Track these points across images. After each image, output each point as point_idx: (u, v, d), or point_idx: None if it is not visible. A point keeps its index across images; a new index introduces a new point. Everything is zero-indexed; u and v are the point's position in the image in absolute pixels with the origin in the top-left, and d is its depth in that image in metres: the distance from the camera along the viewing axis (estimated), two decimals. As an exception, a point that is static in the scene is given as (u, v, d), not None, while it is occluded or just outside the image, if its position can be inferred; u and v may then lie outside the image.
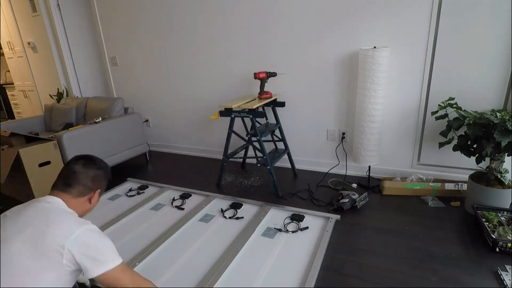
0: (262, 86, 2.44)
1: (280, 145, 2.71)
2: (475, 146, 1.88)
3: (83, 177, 1.15)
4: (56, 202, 1.07)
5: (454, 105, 1.96)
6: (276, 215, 2.03)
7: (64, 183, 1.12)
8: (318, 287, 1.41)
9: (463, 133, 1.91)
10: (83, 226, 1.00)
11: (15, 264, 0.90)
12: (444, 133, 2.01)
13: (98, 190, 1.20)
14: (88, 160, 1.21)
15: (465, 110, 1.92)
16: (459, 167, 2.27)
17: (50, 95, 3.82)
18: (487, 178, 1.88)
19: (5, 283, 0.87)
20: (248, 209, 2.13)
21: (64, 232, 0.95)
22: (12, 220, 1.00)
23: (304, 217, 1.97)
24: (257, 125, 2.45)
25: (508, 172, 1.87)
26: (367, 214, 2.01)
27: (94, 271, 0.96)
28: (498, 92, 2.05)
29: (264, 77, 2.41)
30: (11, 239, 0.93)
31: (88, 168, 1.17)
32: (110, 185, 2.64)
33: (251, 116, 2.27)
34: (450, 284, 1.39)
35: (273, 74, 2.45)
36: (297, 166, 2.73)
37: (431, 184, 2.18)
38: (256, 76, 2.39)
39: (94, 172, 1.19)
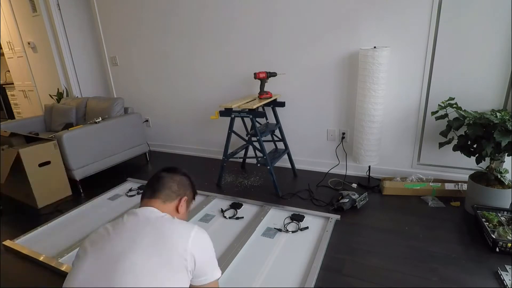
0: (262, 86, 2.44)
1: (280, 145, 2.71)
2: (475, 146, 1.88)
3: (168, 181, 1.10)
4: (152, 211, 1.00)
5: (454, 105, 1.96)
6: (276, 215, 2.03)
7: (151, 190, 1.08)
8: (318, 287, 1.41)
9: (463, 133, 1.91)
10: (194, 227, 0.96)
11: (144, 274, 0.83)
12: (444, 133, 2.01)
13: (185, 197, 1.12)
14: (171, 168, 1.18)
15: (465, 110, 1.92)
16: (459, 167, 2.27)
17: (50, 95, 3.82)
18: (487, 178, 1.88)
19: None
20: (248, 209, 2.13)
21: (182, 236, 0.91)
22: (116, 235, 0.91)
23: (304, 217, 1.97)
24: (257, 125, 2.46)
25: (508, 172, 1.87)
26: (367, 214, 2.01)
27: (209, 277, 0.93)
28: (498, 92, 2.05)
29: (264, 77, 2.41)
30: (131, 251, 0.85)
31: (172, 173, 1.14)
32: (110, 185, 2.65)
33: (251, 116, 2.27)
34: (450, 284, 1.39)
35: (273, 74, 2.45)
36: (297, 166, 2.73)
37: (431, 184, 2.18)
38: (256, 76, 2.39)
39: (179, 177, 1.15)
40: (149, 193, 1.08)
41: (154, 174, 1.15)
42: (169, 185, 1.09)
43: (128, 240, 0.88)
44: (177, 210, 1.09)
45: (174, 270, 0.86)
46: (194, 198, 1.22)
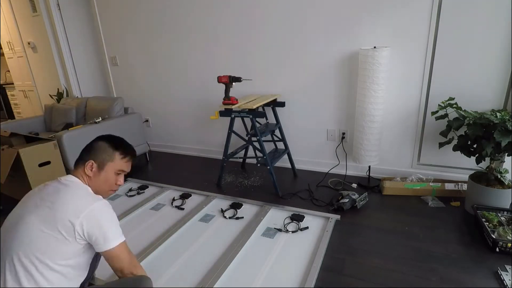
0: (226, 90, 2.28)
1: (280, 145, 2.71)
2: (475, 146, 1.88)
3: (82, 152, 1.18)
4: (71, 180, 1.11)
5: (454, 105, 1.96)
6: (276, 215, 2.03)
7: (78, 158, 1.18)
8: (318, 287, 1.41)
9: (463, 133, 1.91)
10: (95, 202, 1.04)
11: (33, 234, 0.97)
12: (444, 133, 2.01)
13: (90, 162, 1.14)
14: (103, 136, 1.23)
15: (465, 110, 1.92)
16: (459, 167, 2.27)
17: (50, 95, 3.82)
18: (487, 178, 1.88)
19: (25, 250, 0.96)
20: (248, 209, 2.13)
21: (77, 208, 1.00)
22: (32, 197, 1.08)
23: (304, 217, 1.97)
24: (257, 125, 2.45)
25: (508, 172, 1.87)
26: (367, 214, 2.01)
27: (101, 246, 1.02)
28: (498, 92, 2.05)
29: (226, 82, 2.26)
30: (30, 212, 1.01)
31: (95, 140, 1.20)
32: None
33: (251, 116, 2.27)
34: (450, 284, 1.39)
35: (238, 79, 2.27)
36: (297, 166, 2.73)
37: (431, 184, 2.18)
38: (218, 80, 2.27)
39: (92, 143, 1.19)
40: (76, 162, 1.19)
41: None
42: (81, 156, 1.18)
43: (35, 202, 1.04)
44: (86, 174, 1.14)
45: (62, 235, 0.98)
46: (124, 157, 1.21)
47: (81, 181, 1.12)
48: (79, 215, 0.99)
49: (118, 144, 1.22)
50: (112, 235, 1.04)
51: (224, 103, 2.30)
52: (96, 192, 1.13)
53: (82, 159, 1.16)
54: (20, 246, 0.96)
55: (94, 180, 1.15)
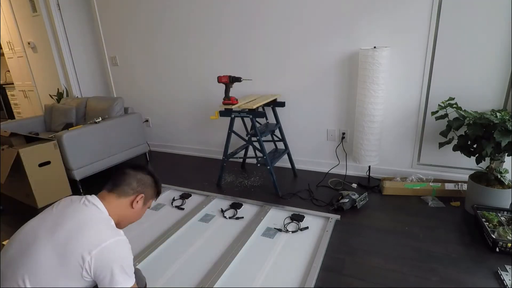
0: (226, 90, 2.28)
1: (280, 145, 2.71)
2: (475, 146, 1.88)
3: (129, 177, 1.12)
4: (95, 204, 1.03)
5: (454, 105, 1.96)
6: (276, 215, 2.03)
7: (111, 184, 1.11)
8: (318, 287, 1.41)
9: (463, 133, 1.91)
10: (113, 238, 0.95)
11: (41, 263, 0.90)
12: (444, 133, 2.01)
13: (142, 195, 1.12)
14: (137, 166, 1.19)
15: (465, 110, 1.92)
16: (459, 167, 2.27)
17: (50, 95, 3.82)
18: (487, 178, 1.88)
19: (30, 282, 0.88)
20: (248, 209, 2.13)
21: (95, 241, 0.92)
22: (53, 217, 0.99)
23: (304, 217, 1.97)
24: (257, 125, 2.45)
25: (508, 172, 1.87)
26: (367, 214, 2.01)
27: (106, 285, 0.94)
28: (498, 92, 2.05)
29: (226, 82, 2.26)
30: (42, 237, 0.93)
31: (137, 171, 1.16)
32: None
33: (251, 116, 2.27)
34: (450, 284, 1.39)
35: (238, 79, 2.27)
36: (297, 166, 2.73)
37: (431, 184, 2.18)
38: (218, 80, 2.27)
39: (142, 175, 1.16)
40: (108, 187, 1.11)
41: (120, 168, 1.17)
42: (129, 182, 1.11)
43: (52, 224, 0.95)
44: (131, 205, 1.10)
45: (68, 273, 0.89)
46: (155, 198, 1.24)
47: (106, 210, 1.04)
48: (91, 251, 0.90)
49: (159, 182, 1.22)
50: (121, 279, 0.94)
51: (224, 103, 2.30)
52: (122, 222, 1.08)
53: (127, 187, 1.10)
54: (28, 270, 0.89)
55: (135, 212, 1.11)
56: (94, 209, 1.01)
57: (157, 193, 1.23)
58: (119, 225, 1.08)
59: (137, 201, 1.11)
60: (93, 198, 1.05)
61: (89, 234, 0.93)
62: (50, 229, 0.94)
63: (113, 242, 0.94)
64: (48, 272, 0.89)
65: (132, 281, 0.98)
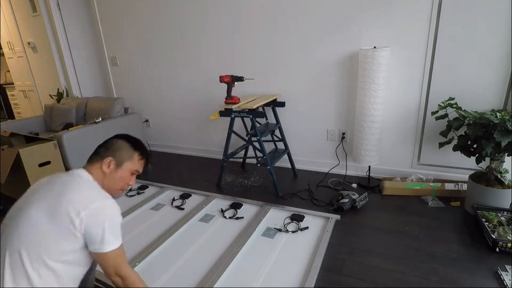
0: (228, 90, 2.29)
1: (280, 145, 2.71)
2: (475, 146, 1.88)
3: (99, 147, 1.17)
4: (82, 175, 1.08)
5: (454, 105, 1.96)
6: (276, 215, 2.03)
7: (93, 153, 1.17)
8: (318, 287, 1.41)
9: (463, 133, 1.91)
10: (103, 200, 1.01)
11: (33, 227, 0.94)
12: (444, 133, 2.01)
13: (109, 158, 1.13)
14: (121, 135, 1.22)
15: (465, 110, 1.92)
16: (459, 167, 2.27)
17: (50, 95, 3.82)
18: (487, 178, 1.88)
19: (23, 244, 0.93)
20: (248, 209, 2.13)
21: (83, 201, 0.97)
22: (38, 190, 1.06)
23: (304, 217, 1.97)
24: (257, 125, 2.45)
25: (508, 172, 1.87)
26: (367, 214, 2.01)
27: (96, 247, 0.98)
28: (498, 92, 2.05)
29: (229, 81, 2.27)
30: (32, 203, 0.99)
31: (114, 138, 1.20)
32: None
33: (251, 116, 2.27)
34: (450, 284, 1.39)
35: (240, 79, 2.28)
36: (297, 166, 2.73)
37: (431, 184, 2.18)
38: (220, 79, 2.27)
39: (113, 141, 1.19)
40: (90, 156, 1.17)
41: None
42: (97, 150, 1.17)
43: (42, 192, 1.02)
44: (101, 170, 1.13)
45: (61, 227, 0.94)
46: (141, 158, 1.22)
47: (91, 177, 1.10)
48: (81, 210, 0.94)
49: (138, 144, 1.22)
50: (110, 238, 0.99)
51: (226, 103, 2.30)
52: (107, 190, 1.11)
53: (98, 155, 1.15)
54: (19, 240, 0.93)
55: (109, 177, 1.13)
56: (80, 177, 1.07)
57: (140, 154, 1.21)
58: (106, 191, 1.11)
59: (107, 165, 1.13)
60: (80, 170, 1.11)
61: (79, 195, 0.98)
62: (38, 198, 1.00)
63: (101, 204, 1.00)
64: (39, 236, 0.93)
65: (119, 242, 1.03)
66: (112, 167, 1.14)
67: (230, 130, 2.41)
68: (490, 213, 1.77)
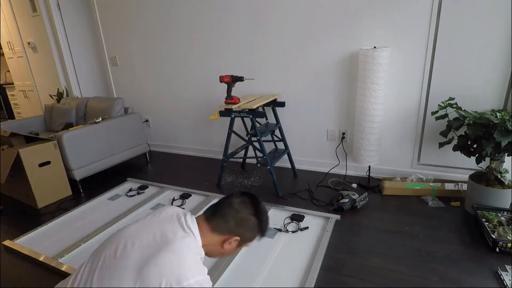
0: (228, 90, 2.29)
1: (280, 145, 2.71)
2: (475, 146, 1.88)
3: (230, 212, 1.00)
4: (193, 233, 0.95)
5: (454, 105, 1.96)
6: (276, 215, 2.03)
7: (212, 209, 1.03)
8: (318, 287, 1.41)
9: (463, 133, 1.91)
10: (195, 278, 0.85)
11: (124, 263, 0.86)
12: (444, 133, 2.01)
13: (237, 238, 1.00)
14: (249, 199, 1.04)
15: (465, 110, 1.92)
16: (459, 167, 2.27)
17: (50, 95, 3.82)
18: (487, 178, 1.88)
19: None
20: (248, 209, 2.13)
21: (173, 273, 0.83)
22: (147, 220, 0.98)
23: (304, 217, 1.97)
24: (257, 125, 2.45)
25: (508, 172, 1.87)
26: (367, 214, 2.01)
27: None
28: (498, 92, 2.05)
29: (229, 81, 2.25)
30: (133, 237, 0.91)
31: (242, 207, 1.02)
32: (110, 185, 2.65)
33: (251, 116, 2.27)
34: (450, 284, 1.39)
35: (240, 79, 2.26)
36: (297, 166, 2.73)
37: (431, 184, 2.18)
38: (220, 79, 2.26)
39: (246, 214, 1.01)
40: (209, 211, 1.03)
41: (231, 194, 1.05)
42: (228, 218, 1.00)
43: (145, 230, 0.94)
44: (222, 245, 1.00)
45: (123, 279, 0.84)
46: (252, 241, 1.08)
47: (201, 239, 0.95)
48: (172, 283, 0.82)
49: (266, 228, 1.08)
50: None
51: (226, 103, 2.30)
52: (209, 254, 1.00)
53: (223, 223, 0.99)
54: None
55: (223, 251, 1.02)
56: (189, 238, 0.93)
57: (261, 237, 1.08)
58: (206, 255, 1.00)
59: (230, 243, 1.00)
60: (191, 217, 0.99)
61: (175, 263, 0.85)
62: (142, 244, 0.89)
63: (195, 281, 0.85)
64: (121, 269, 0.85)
65: None
66: (233, 245, 1.01)
67: (230, 130, 2.41)
68: (490, 213, 1.77)
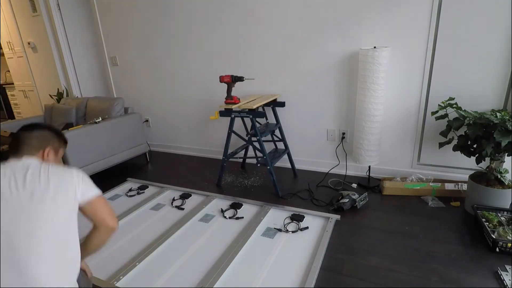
0: (228, 90, 2.29)
1: (280, 145, 2.71)
2: (475, 146, 1.88)
3: (26, 138, 1.12)
4: (35, 161, 1.05)
5: (454, 105, 1.96)
6: (276, 215, 2.03)
7: (13, 151, 1.09)
8: (318, 287, 1.41)
9: (463, 133, 1.91)
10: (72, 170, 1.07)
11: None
12: (444, 133, 2.01)
13: (49, 148, 1.14)
14: (29, 126, 1.17)
15: (465, 110, 1.92)
16: (459, 167, 2.27)
17: (50, 95, 3.82)
18: (487, 178, 1.88)
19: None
20: (248, 209, 2.13)
21: (68, 172, 1.04)
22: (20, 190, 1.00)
23: (304, 217, 1.97)
24: (257, 125, 2.45)
25: (508, 172, 1.87)
26: (367, 214, 2.01)
27: (89, 193, 1.08)
28: (498, 92, 2.05)
29: (229, 81, 2.26)
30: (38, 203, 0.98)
31: (30, 130, 1.14)
32: (110, 185, 2.65)
33: (251, 116, 2.27)
34: (450, 284, 1.39)
35: (240, 79, 2.27)
36: (297, 166, 2.73)
37: (431, 184, 2.18)
38: (220, 79, 2.27)
39: (38, 132, 1.15)
40: (12, 154, 1.09)
41: (13, 135, 1.17)
42: (28, 142, 1.12)
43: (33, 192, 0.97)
44: (43, 160, 1.12)
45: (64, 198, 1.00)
46: (64, 146, 1.25)
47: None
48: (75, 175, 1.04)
49: (59, 132, 1.24)
50: (93, 185, 1.13)
51: (226, 103, 2.30)
52: None
53: (32, 146, 1.11)
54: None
55: (49, 161, 1.15)
56: (36, 163, 1.05)
57: (64, 141, 1.25)
58: None
59: (47, 154, 1.14)
60: (27, 159, 1.07)
61: (63, 172, 1.04)
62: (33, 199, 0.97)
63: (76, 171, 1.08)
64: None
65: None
66: (51, 156, 1.16)
67: (230, 130, 2.41)
68: (490, 213, 1.77)
